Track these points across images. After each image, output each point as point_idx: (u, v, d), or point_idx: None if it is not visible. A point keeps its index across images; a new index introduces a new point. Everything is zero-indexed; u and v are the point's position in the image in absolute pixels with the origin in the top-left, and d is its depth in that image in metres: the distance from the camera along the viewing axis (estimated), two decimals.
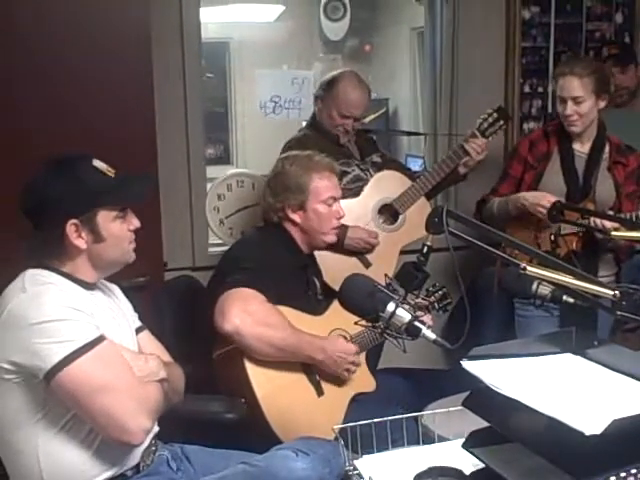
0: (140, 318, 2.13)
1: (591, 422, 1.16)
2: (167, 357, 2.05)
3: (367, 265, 3.07)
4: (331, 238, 2.62)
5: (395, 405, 2.38)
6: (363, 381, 2.52)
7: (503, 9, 3.88)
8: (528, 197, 2.90)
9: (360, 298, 1.80)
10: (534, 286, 2.06)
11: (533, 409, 1.24)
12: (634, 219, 2.76)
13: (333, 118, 3.14)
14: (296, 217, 2.55)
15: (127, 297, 2.14)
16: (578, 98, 2.85)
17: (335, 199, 2.60)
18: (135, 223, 1.95)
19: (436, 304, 2.83)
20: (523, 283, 2.08)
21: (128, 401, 1.76)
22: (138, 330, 2.07)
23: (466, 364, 1.41)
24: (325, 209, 2.57)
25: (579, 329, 2.68)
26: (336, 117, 3.14)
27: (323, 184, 2.56)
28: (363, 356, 2.56)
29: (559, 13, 3.96)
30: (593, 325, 2.77)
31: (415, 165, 4.63)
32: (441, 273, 3.60)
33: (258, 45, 5.55)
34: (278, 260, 2.44)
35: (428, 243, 1.82)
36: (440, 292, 2.88)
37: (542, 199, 2.80)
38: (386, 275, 1.91)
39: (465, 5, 3.81)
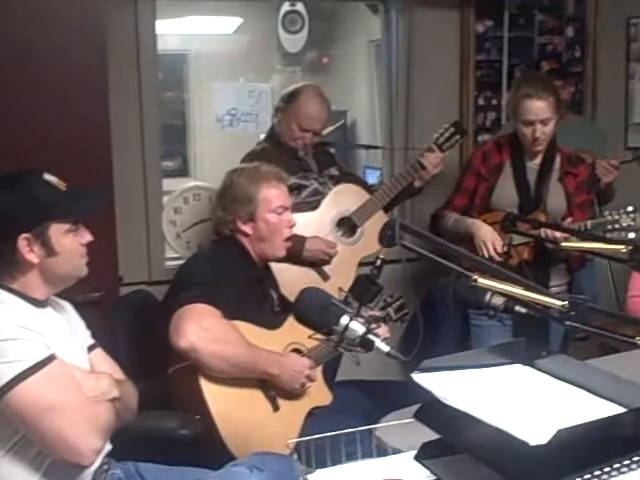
0: (94, 334, 2.11)
1: (537, 432, 1.18)
2: (120, 375, 2.03)
3: (325, 278, 3.07)
4: (281, 252, 2.61)
5: (351, 418, 2.38)
6: (319, 395, 2.52)
7: (457, 23, 3.94)
8: (479, 231, 2.95)
9: (314, 312, 1.81)
10: (487, 297, 2.08)
11: (480, 420, 1.25)
12: (584, 229, 2.81)
13: (292, 131, 3.15)
14: (247, 228, 2.55)
15: (81, 313, 2.11)
16: (546, 120, 2.90)
17: (285, 208, 2.59)
18: (87, 237, 1.94)
19: (393, 315, 2.84)
20: (476, 294, 2.10)
21: (78, 422, 1.74)
22: (90, 348, 2.05)
23: (416, 376, 1.42)
24: (275, 218, 2.56)
25: (531, 338, 2.72)
26: (295, 130, 3.14)
27: (271, 193, 2.56)
28: (319, 369, 2.56)
29: (512, 27, 4.03)
30: (546, 334, 2.82)
31: (373, 177, 4.67)
32: (399, 284, 3.63)
33: (216, 57, 5.55)
34: (233, 274, 2.43)
35: (381, 256, 1.84)
36: (397, 303, 2.89)
37: (489, 242, 2.89)
38: (340, 288, 1.93)
39: (420, 18, 3.85)
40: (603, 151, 3.67)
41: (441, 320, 3.30)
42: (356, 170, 5.00)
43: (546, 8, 4.09)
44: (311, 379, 2.45)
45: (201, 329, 2.24)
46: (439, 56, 3.90)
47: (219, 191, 2.65)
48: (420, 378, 1.42)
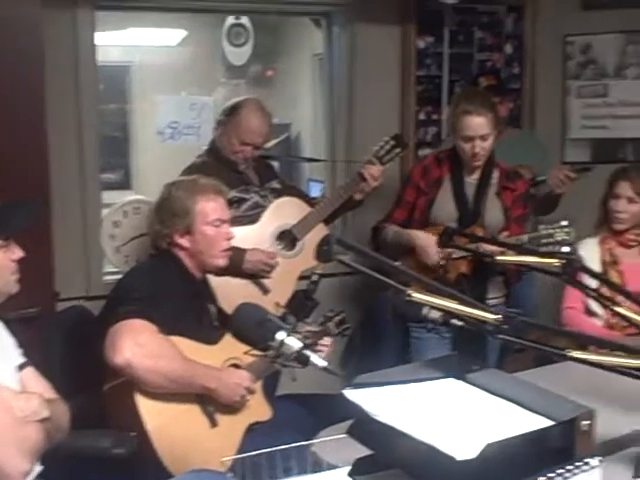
0: (28, 351, 2.06)
1: (465, 447, 1.19)
2: (51, 394, 1.98)
3: (266, 291, 3.06)
4: (222, 262, 2.59)
5: (291, 433, 2.37)
6: (258, 410, 2.50)
7: (398, 38, 3.99)
8: (419, 240, 2.98)
9: (250, 328, 1.80)
10: (425, 310, 2.09)
11: (409, 436, 1.26)
12: (520, 243, 2.85)
13: (233, 144, 3.14)
14: (184, 241, 2.53)
15: (15, 329, 2.06)
16: (485, 136, 2.94)
17: (223, 221, 2.57)
18: (18, 253, 1.90)
19: (334, 329, 2.84)
20: (414, 308, 2.12)
21: (6, 443, 1.70)
22: (21, 366, 2.00)
23: (348, 392, 1.42)
24: (213, 231, 2.54)
25: (469, 351, 2.74)
26: (236, 144, 3.14)
27: (209, 206, 2.54)
28: (259, 384, 2.54)
29: (452, 43, 4.11)
30: (483, 346, 2.85)
31: (317, 189, 4.69)
32: (340, 298, 3.66)
33: (160, 69, 5.51)
34: (170, 288, 2.41)
35: (318, 271, 1.85)
36: (338, 317, 2.88)
37: (429, 247, 2.91)
38: (277, 303, 1.93)
39: (362, 33, 3.90)
40: (545, 165, 3.75)
41: (382, 333, 3.32)
42: (300, 183, 5.01)
43: (485, 25, 4.18)
44: (251, 391, 2.43)
45: (136, 345, 2.20)
46: (381, 71, 3.95)
47: (156, 204, 2.62)
48: (352, 394, 1.43)
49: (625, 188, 3.03)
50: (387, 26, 3.95)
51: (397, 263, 3.09)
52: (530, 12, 4.20)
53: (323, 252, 1.81)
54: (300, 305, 1.86)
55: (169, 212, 2.53)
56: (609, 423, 1.73)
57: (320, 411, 2.73)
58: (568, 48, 4.31)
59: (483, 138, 2.94)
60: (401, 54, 4.00)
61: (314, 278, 1.82)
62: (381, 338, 3.41)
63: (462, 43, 4.13)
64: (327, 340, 2.71)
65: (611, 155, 4.26)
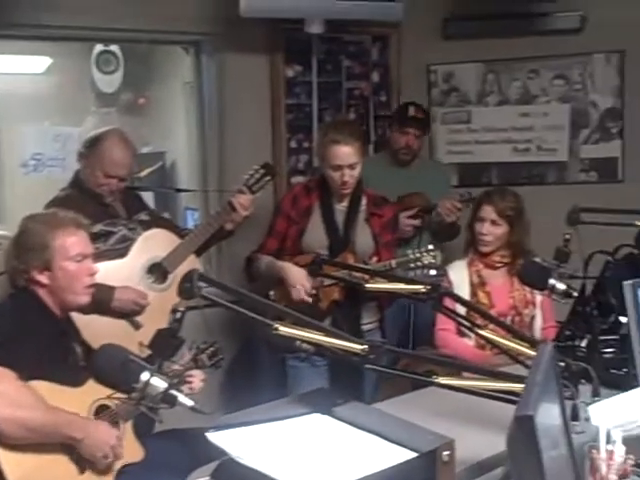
0: None
1: None
2: None
3: (137, 327, 2.97)
4: (84, 298, 2.48)
5: (164, 473, 2.30)
6: (129, 451, 2.39)
7: (267, 67, 4.02)
8: (289, 275, 2.99)
9: (112, 370, 1.75)
10: (298, 341, 2.09)
11: (273, 478, 1.24)
12: (389, 267, 2.90)
13: (97, 177, 3.05)
14: (43, 278, 2.42)
15: None
16: (353, 164, 3.00)
17: (85, 256, 2.47)
18: None
19: (207, 361, 2.79)
20: (287, 339, 2.11)
21: None
22: None
23: (211, 435, 1.39)
24: (74, 266, 2.44)
25: (345, 378, 2.77)
26: (100, 176, 3.05)
27: (69, 240, 2.44)
28: (129, 424, 2.45)
29: (321, 72, 4.17)
30: (359, 373, 2.88)
31: (193, 218, 4.63)
32: (217, 329, 3.61)
33: (25, 98, 5.30)
34: (30, 329, 2.29)
35: (181, 309, 1.81)
36: (212, 348, 2.83)
37: (298, 284, 2.93)
38: (141, 343, 1.88)
39: (230, 62, 3.90)
40: (446, 192, 3.83)
41: (259, 363, 3.30)
42: (176, 211, 4.93)
43: (352, 54, 4.26)
44: (116, 452, 2.31)
45: None
46: (251, 99, 3.96)
47: (13, 239, 2.50)
48: (216, 436, 1.40)
49: (488, 211, 3.13)
50: (255, 55, 3.97)
51: (271, 293, 3.14)
52: (394, 42, 4.31)
53: (185, 289, 1.78)
54: (165, 344, 1.81)
55: (25, 247, 2.42)
56: (477, 445, 1.78)
57: (200, 447, 2.67)
58: (432, 76, 4.46)
59: (351, 167, 3.00)
60: (270, 83, 4.02)
61: (177, 315, 1.78)
62: (258, 368, 3.39)
63: (330, 72, 4.19)
64: (199, 373, 2.65)
65: (476, 179, 4.43)
